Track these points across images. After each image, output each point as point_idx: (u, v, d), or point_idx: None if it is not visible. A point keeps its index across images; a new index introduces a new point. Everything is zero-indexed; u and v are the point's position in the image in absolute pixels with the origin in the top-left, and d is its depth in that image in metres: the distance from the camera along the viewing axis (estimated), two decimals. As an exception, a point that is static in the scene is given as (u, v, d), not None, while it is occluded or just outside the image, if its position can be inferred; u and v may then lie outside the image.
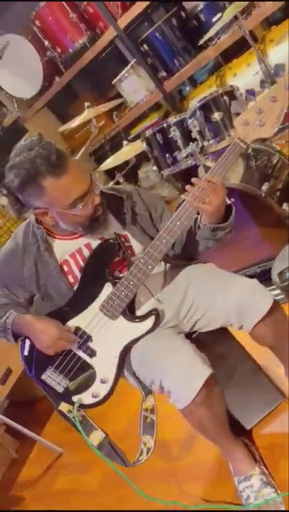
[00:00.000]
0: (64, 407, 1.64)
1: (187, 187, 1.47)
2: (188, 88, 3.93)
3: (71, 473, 2.47)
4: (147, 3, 3.18)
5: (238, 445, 1.66)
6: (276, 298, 1.64)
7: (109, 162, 3.03)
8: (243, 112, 1.46)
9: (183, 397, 1.43)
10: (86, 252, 1.61)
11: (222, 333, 1.76)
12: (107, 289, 1.56)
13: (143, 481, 1.61)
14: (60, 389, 1.63)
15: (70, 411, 1.63)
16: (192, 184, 1.48)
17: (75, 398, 1.62)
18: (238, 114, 1.50)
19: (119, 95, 3.74)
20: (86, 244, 1.62)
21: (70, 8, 3.58)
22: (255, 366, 1.86)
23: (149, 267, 1.52)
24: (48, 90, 3.89)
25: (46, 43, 3.71)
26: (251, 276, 2.37)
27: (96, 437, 1.63)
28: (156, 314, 1.56)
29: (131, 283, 1.53)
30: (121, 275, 1.59)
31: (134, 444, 1.60)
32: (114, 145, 3.43)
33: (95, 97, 3.97)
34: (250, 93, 1.44)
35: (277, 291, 1.58)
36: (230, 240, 2.39)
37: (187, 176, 3.31)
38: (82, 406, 1.63)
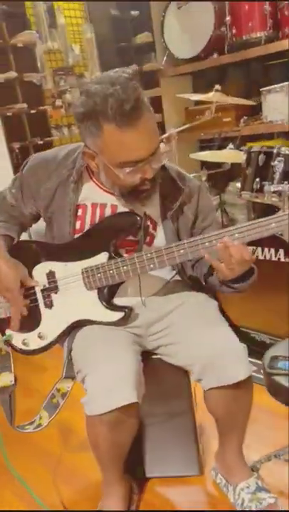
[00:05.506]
0: (-5, 333, 1.53)
1: (219, 246, 1.24)
2: None
3: None
4: None
5: (120, 484, 1.50)
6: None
7: (204, 155, 2.85)
8: None
9: (94, 405, 1.26)
10: (108, 212, 1.44)
11: (182, 375, 1.57)
12: (102, 257, 1.40)
13: (25, 444, 1.49)
14: (0, 314, 1.51)
15: (-3, 340, 1.52)
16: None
17: (8, 331, 1.51)
18: None
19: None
20: (113, 205, 1.44)
21: (270, 1, 3.36)
22: (193, 427, 1.66)
23: (151, 265, 1.33)
24: (200, 62, 3.71)
25: (228, 18, 3.52)
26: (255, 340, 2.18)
27: (4, 379, 1.52)
28: (128, 313, 1.40)
29: (124, 268, 1.36)
30: (123, 255, 1.43)
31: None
32: (222, 147, 3.23)
33: (234, 91, 3.76)
34: None
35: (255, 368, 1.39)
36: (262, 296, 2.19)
37: (264, 211, 3.08)
38: (9, 343, 1.51)
